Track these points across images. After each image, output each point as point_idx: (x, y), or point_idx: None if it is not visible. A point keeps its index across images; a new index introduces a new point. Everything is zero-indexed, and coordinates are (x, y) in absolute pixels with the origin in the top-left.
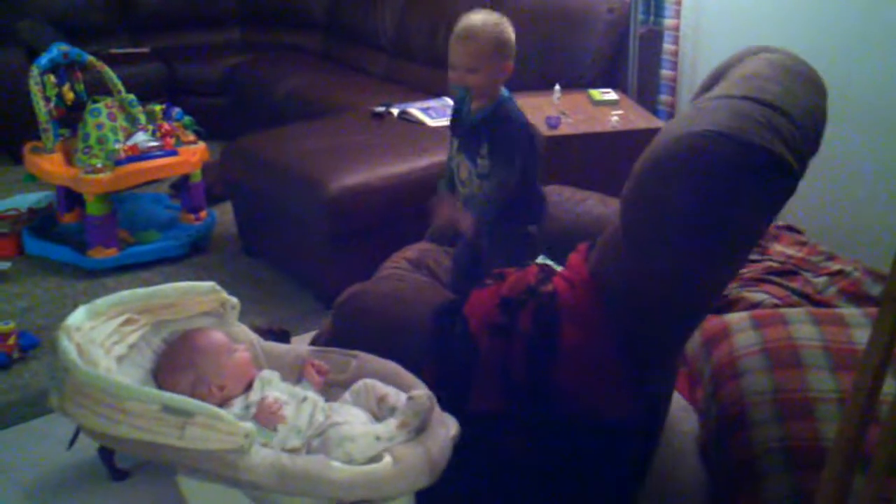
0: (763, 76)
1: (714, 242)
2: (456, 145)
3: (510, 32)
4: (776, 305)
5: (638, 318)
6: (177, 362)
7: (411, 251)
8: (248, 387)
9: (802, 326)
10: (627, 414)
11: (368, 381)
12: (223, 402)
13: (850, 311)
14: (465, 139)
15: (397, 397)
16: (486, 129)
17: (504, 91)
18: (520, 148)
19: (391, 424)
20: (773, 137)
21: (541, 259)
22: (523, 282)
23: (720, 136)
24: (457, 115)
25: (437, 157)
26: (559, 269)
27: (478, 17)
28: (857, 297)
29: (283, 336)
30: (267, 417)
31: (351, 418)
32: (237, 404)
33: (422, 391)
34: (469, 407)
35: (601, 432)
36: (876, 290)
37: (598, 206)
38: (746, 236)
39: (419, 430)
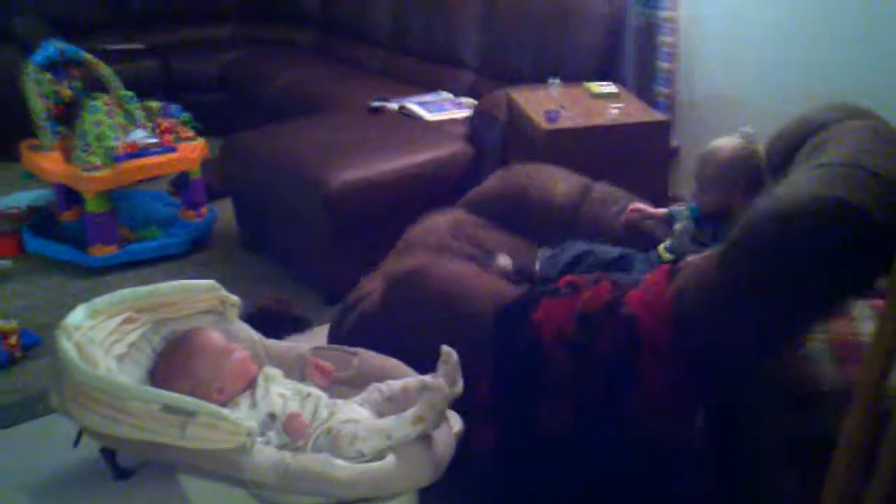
0: (873, 151)
1: (811, 304)
2: None
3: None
4: None
5: (717, 356)
6: (172, 368)
7: (446, 217)
8: (252, 384)
9: None
10: (692, 447)
11: (381, 385)
12: (227, 403)
13: (855, 304)
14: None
15: (418, 383)
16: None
17: None
18: None
19: (405, 420)
20: (886, 211)
21: (541, 251)
22: (600, 297)
23: (849, 207)
24: None
25: (436, 152)
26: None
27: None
28: None
29: (303, 324)
30: (295, 430)
31: (356, 415)
32: (243, 403)
33: (439, 380)
34: (535, 420)
35: (665, 458)
36: (881, 282)
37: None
38: (842, 301)
39: (435, 426)
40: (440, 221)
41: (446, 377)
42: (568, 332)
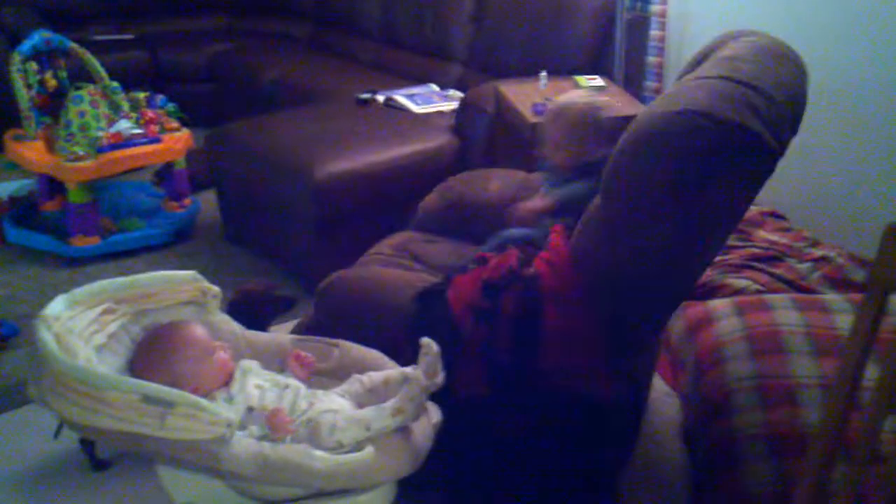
0: (743, 58)
1: (692, 221)
2: None
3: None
4: (759, 291)
5: (617, 298)
6: (152, 361)
7: (395, 239)
8: (229, 379)
9: (785, 312)
10: (609, 392)
11: (362, 376)
12: (204, 396)
13: (832, 297)
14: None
15: (399, 375)
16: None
17: None
18: None
19: (385, 411)
20: (750, 116)
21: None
22: (505, 265)
23: (698, 114)
24: None
25: (422, 144)
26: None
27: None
28: (840, 283)
29: (287, 303)
30: (278, 427)
31: (335, 406)
32: (219, 396)
33: (418, 373)
34: (453, 393)
35: (583, 411)
36: (859, 276)
37: None
38: (725, 216)
39: (415, 418)
40: (387, 244)
41: (426, 369)
42: (475, 301)
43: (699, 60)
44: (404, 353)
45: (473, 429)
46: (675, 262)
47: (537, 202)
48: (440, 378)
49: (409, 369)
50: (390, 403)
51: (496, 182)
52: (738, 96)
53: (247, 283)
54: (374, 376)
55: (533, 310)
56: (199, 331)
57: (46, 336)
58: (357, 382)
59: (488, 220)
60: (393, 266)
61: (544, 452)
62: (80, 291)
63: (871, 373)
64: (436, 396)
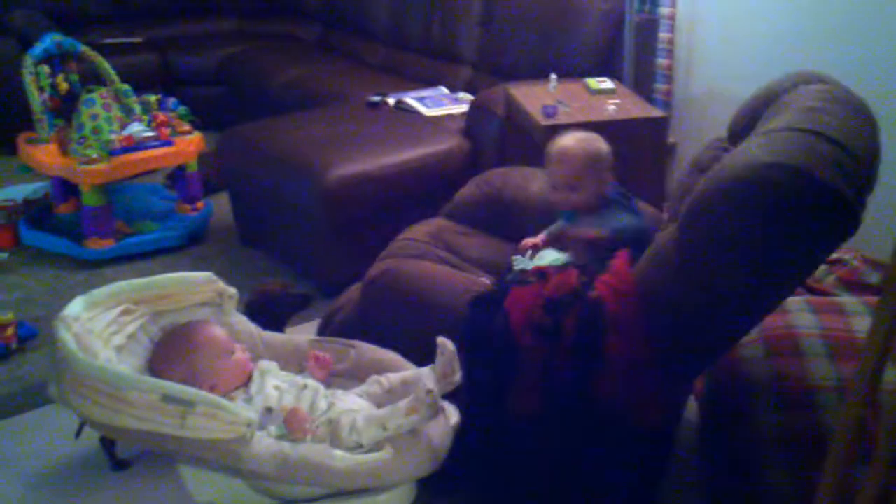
0: (825, 110)
1: (772, 272)
2: None
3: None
4: None
5: (679, 333)
6: (172, 355)
7: (428, 226)
8: (248, 380)
9: (801, 315)
10: (659, 420)
11: (380, 377)
12: (223, 396)
13: (848, 300)
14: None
15: (415, 375)
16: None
17: None
18: None
19: (399, 411)
20: (838, 175)
21: (551, 251)
22: (567, 284)
23: (791, 170)
24: None
25: (433, 146)
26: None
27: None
28: (855, 286)
29: (304, 300)
30: (296, 426)
31: (355, 406)
32: (238, 397)
33: (430, 373)
34: (505, 404)
35: (631, 437)
36: (874, 278)
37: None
38: (803, 269)
39: (429, 418)
40: (421, 230)
41: (443, 368)
42: (535, 317)
43: (766, 101)
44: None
45: (520, 440)
46: (744, 307)
47: (589, 231)
48: (456, 377)
49: (424, 369)
50: (404, 403)
51: (537, 183)
52: (828, 154)
53: (262, 283)
54: (392, 377)
55: (595, 334)
56: (218, 330)
57: (66, 336)
58: (376, 384)
59: (530, 221)
60: (429, 256)
61: (587, 472)
62: (98, 292)
63: (889, 375)
64: (486, 406)
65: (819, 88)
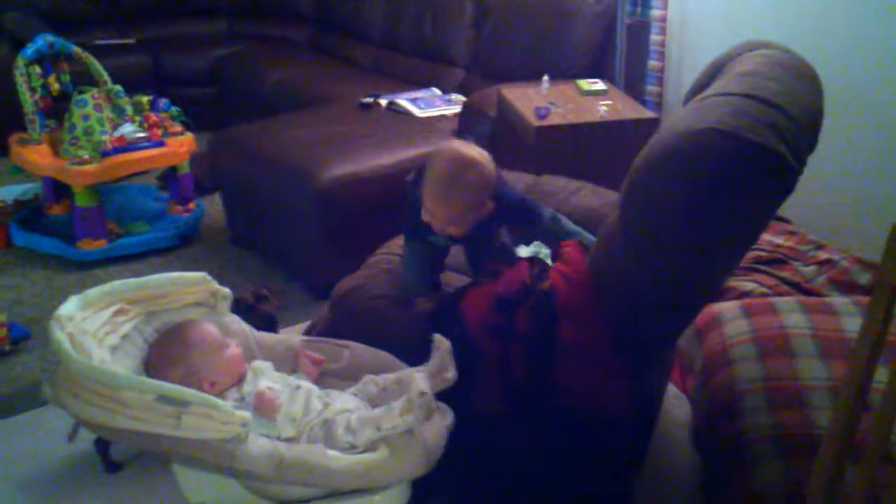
0: (761, 73)
1: (712, 239)
2: (463, 249)
3: (478, 174)
4: (766, 294)
5: (634, 312)
6: (168, 356)
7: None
8: (241, 379)
9: (792, 315)
10: (624, 407)
11: (375, 376)
12: (217, 395)
13: (839, 300)
14: (474, 242)
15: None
16: (498, 224)
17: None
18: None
19: (393, 412)
20: (772, 135)
21: (535, 246)
22: (518, 279)
23: (721, 134)
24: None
25: (426, 147)
26: (549, 262)
27: (445, 174)
28: (845, 286)
29: (268, 323)
30: (265, 407)
31: (350, 405)
32: (231, 396)
33: (424, 374)
34: (471, 408)
35: (598, 426)
36: (864, 278)
37: (591, 197)
38: (745, 234)
39: (424, 418)
40: (395, 245)
41: (437, 364)
42: (489, 318)
43: (713, 73)
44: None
45: (488, 442)
46: (693, 279)
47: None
48: (451, 374)
49: (418, 369)
50: (398, 404)
51: (522, 185)
52: (762, 116)
53: (243, 290)
54: (386, 377)
55: (548, 326)
56: (211, 327)
57: (61, 336)
58: (371, 383)
59: None
60: None
61: (558, 466)
62: (92, 292)
63: (880, 375)
64: (453, 410)
65: (761, 53)
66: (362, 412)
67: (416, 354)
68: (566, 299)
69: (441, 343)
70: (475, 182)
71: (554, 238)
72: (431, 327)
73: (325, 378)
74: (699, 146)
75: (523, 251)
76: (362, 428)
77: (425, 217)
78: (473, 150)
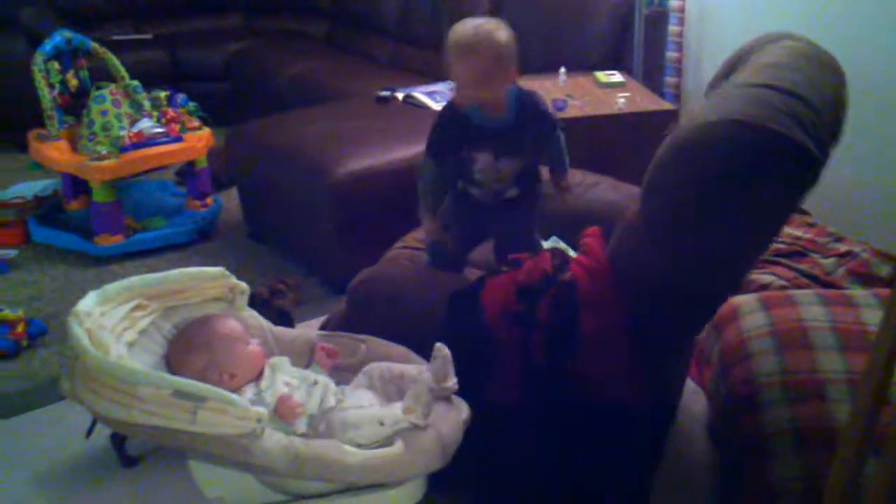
0: (784, 65)
1: (733, 231)
2: (487, 158)
3: (508, 37)
4: (784, 287)
5: (655, 304)
6: (193, 342)
7: (421, 233)
8: (259, 375)
9: (811, 307)
10: (643, 399)
11: (382, 364)
12: (234, 390)
13: (858, 292)
14: (499, 148)
15: (417, 372)
16: (522, 129)
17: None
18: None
19: (396, 409)
20: (794, 126)
21: (552, 241)
22: (539, 268)
23: (742, 124)
24: (468, 128)
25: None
26: (572, 253)
27: (470, 29)
28: (865, 278)
29: (283, 320)
30: (288, 412)
31: (363, 402)
32: (248, 391)
33: (427, 374)
34: (486, 397)
35: (617, 418)
36: (884, 270)
37: (610, 192)
38: (767, 225)
39: (425, 417)
40: (412, 238)
41: (436, 373)
42: (509, 306)
43: (734, 65)
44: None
45: (505, 433)
46: (714, 270)
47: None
48: (451, 383)
49: (423, 367)
50: (400, 403)
51: None
52: (782, 106)
53: (259, 285)
54: (392, 367)
55: (569, 316)
56: (235, 322)
57: (79, 331)
58: (375, 371)
59: None
60: (420, 262)
61: (575, 458)
62: (110, 288)
63: None
64: (468, 399)
65: (784, 45)
66: (362, 410)
67: (432, 344)
68: (587, 290)
69: (440, 351)
70: (503, 38)
71: (549, 160)
72: (450, 312)
73: (342, 372)
74: (722, 137)
75: (544, 244)
76: (363, 424)
77: (454, 85)
78: None
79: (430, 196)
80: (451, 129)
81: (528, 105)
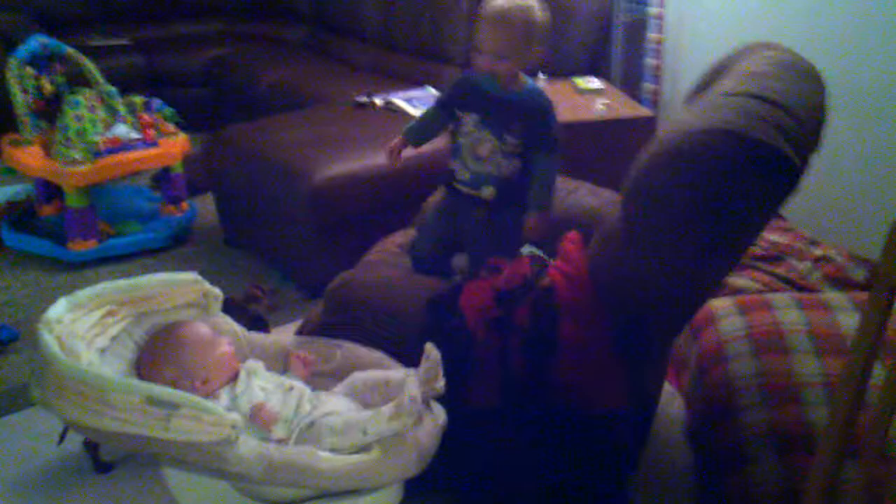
0: (765, 73)
1: (714, 238)
2: (475, 119)
3: (543, 17)
4: (761, 291)
5: (633, 310)
6: (159, 356)
7: (400, 237)
8: (234, 378)
9: (787, 311)
10: (621, 404)
11: (364, 373)
12: (208, 395)
13: (834, 296)
14: (489, 114)
15: (403, 377)
16: (520, 110)
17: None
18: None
19: (379, 415)
20: (777, 135)
21: (527, 249)
22: (519, 274)
23: (725, 133)
24: (473, 91)
25: (421, 147)
26: (550, 260)
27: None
28: (841, 282)
29: (259, 324)
30: (265, 419)
31: (339, 408)
32: (223, 396)
33: (415, 378)
34: (466, 402)
35: (595, 423)
36: (859, 275)
37: (589, 197)
38: (747, 232)
39: (413, 422)
40: (391, 242)
41: (426, 373)
42: (488, 310)
43: (716, 73)
44: (416, 361)
45: (484, 437)
46: (694, 277)
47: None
48: (440, 384)
49: (410, 371)
50: (387, 408)
51: None
52: (766, 115)
53: (235, 291)
54: (376, 374)
55: (547, 322)
56: (202, 326)
57: (49, 339)
58: (359, 381)
59: None
60: (399, 266)
61: (554, 463)
62: (81, 294)
63: (878, 372)
64: (446, 403)
65: (765, 55)
66: (350, 415)
67: (410, 348)
68: (565, 296)
69: (431, 352)
70: (538, 15)
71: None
72: (429, 317)
73: (318, 378)
74: (705, 146)
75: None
76: (348, 431)
77: (476, 50)
78: None
79: (416, 125)
80: (463, 88)
81: (538, 103)
